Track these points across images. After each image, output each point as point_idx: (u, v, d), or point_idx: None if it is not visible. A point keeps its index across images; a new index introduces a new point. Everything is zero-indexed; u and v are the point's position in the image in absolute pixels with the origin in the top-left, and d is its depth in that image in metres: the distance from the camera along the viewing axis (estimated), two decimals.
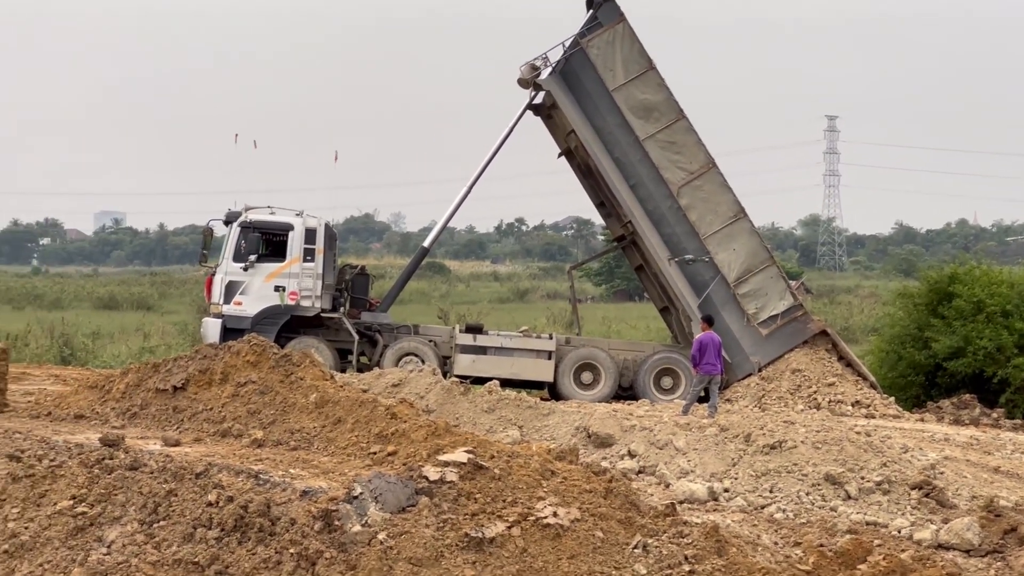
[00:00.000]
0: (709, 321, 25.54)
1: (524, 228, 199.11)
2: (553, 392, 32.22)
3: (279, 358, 16.19)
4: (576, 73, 32.70)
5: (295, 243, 31.44)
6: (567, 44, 32.91)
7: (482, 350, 32.15)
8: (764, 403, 30.03)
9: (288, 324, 31.36)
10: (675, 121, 32.60)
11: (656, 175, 32.45)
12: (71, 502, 10.98)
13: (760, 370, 31.81)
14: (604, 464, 17.45)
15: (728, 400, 29.95)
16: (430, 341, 32.54)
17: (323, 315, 31.78)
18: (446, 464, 11.59)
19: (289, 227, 31.59)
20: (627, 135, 32.51)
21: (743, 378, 31.73)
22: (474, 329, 32.93)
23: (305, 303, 31.32)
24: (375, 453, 13.46)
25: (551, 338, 33.01)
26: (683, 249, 32.43)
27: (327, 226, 32.55)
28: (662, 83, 32.63)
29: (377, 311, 33.13)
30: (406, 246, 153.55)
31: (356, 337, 31.86)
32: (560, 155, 35.20)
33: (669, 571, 10.82)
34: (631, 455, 19.40)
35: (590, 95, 32.64)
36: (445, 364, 31.79)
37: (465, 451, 11.87)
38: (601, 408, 24.74)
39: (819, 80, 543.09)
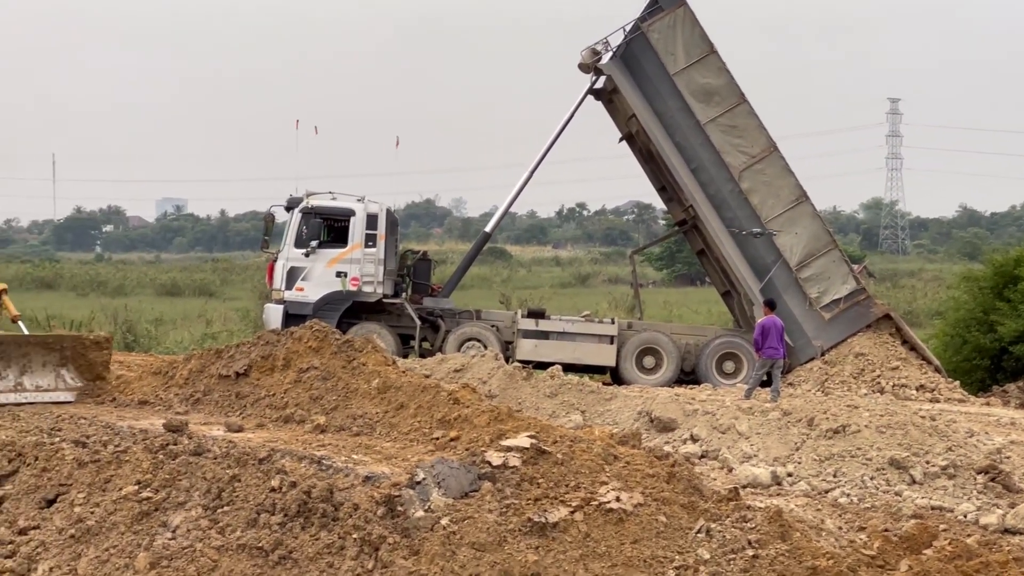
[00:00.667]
0: (771, 305, 25.39)
1: (585, 213, 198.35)
2: (615, 377, 32.21)
3: (341, 344, 16.20)
4: (637, 57, 32.63)
5: (356, 229, 31.52)
6: (628, 28, 32.83)
7: (544, 335, 32.15)
8: (827, 387, 29.93)
9: (350, 310, 31.48)
10: (736, 105, 32.51)
11: (717, 159, 32.37)
12: (136, 487, 11.04)
13: (823, 354, 31.68)
14: (667, 448, 17.42)
15: (791, 384, 29.84)
16: (492, 326, 32.55)
17: (385, 301, 31.87)
18: (509, 449, 11.56)
19: (351, 213, 31.68)
20: (688, 119, 32.44)
21: (806, 362, 31.63)
22: (536, 314, 32.94)
23: (367, 289, 31.42)
24: (438, 438, 13.45)
25: (613, 323, 33.01)
26: None
27: (388, 211, 32.65)
28: (723, 67, 32.53)
29: (439, 296, 33.19)
30: (467, 231, 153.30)
31: (418, 322, 31.92)
32: (621, 139, 35.12)
33: (732, 556, 10.77)
34: (694, 439, 19.38)
35: (651, 79, 32.57)
36: (507, 349, 31.82)
37: (528, 436, 11.83)
38: (663, 392, 24.65)
39: (882, 62, 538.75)
